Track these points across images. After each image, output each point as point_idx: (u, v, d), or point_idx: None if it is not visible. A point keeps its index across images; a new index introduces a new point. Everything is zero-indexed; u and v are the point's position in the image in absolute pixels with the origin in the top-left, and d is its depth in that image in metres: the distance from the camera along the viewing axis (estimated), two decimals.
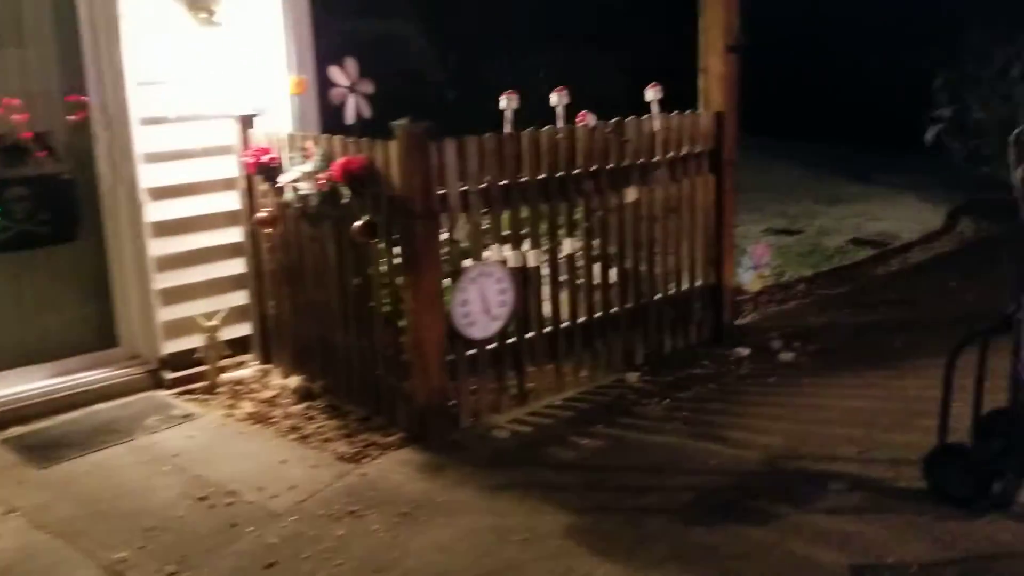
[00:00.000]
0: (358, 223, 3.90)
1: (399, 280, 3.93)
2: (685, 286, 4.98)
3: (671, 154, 4.75)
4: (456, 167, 3.88)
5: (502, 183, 4.06)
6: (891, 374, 4.65)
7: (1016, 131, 3.23)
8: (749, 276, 5.57)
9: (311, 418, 4.27)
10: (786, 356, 4.91)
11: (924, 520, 3.26)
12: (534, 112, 4.38)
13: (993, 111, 8.02)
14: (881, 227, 7.95)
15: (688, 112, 4.85)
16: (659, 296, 4.85)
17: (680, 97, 4.94)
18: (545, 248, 4.28)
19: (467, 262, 3.98)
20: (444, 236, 3.90)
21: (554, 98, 4.33)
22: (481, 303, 3.98)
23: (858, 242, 7.48)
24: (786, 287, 6.25)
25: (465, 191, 3.94)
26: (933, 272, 6.55)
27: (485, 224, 4.09)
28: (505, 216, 4.12)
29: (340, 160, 3.93)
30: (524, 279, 4.20)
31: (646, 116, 4.62)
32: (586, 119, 4.40)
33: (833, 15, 12.84)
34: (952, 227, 7.92)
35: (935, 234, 7.70)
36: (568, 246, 4.36)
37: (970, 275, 6.36)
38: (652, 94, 4.67)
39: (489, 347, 4.13)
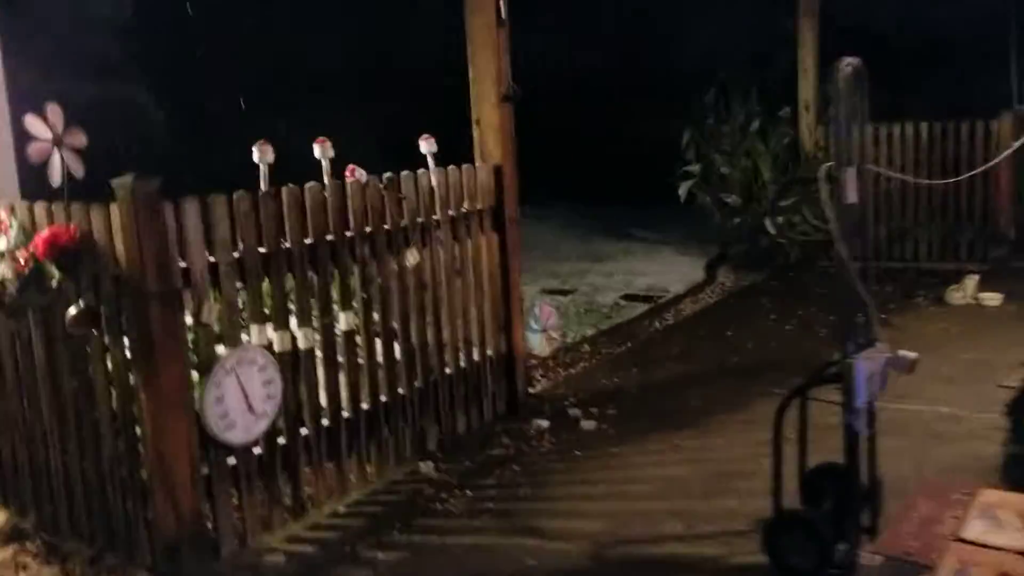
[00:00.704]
0: (73, 311, 3.06)
1: (132, 379, 3.10)
2: (476, 357, 4.49)
3: (452, 212, 4.28)
4: (201, 233, 3.16)
5: (261, 251, 3.38)
6: (694, 433, 4.40)
7: (825, 167, 3.06)
8: (538, 339, 5.21)
9: (23, 567, 3.29)
10: (587, 425, 4.53)
11: None
12: (292, 169, 3.75)
13: (736, 166, 8.37)
14: (648, 282, 7.97)
15: (466, 166, 4.42)
16: (449, 371, 4.32)
17: (458, 150, 4.52)
18: (317, 326, 3.62)
19: (221, 349, 3.23)
20: (189, 319, 3.15)
21: (317, 150, 3.73)
22: (241, 399, 3.24)
23: (630, 298, 7.41)
24: (571, 348, 5.95)
25: (214, 263, 3.21)
26: (706, 323, 6.54)
27: (242, 301, 3.37)
28: (267, 290, 3.43)
29: (45, 233, 3.08)
30: (294, 364, 3.51)
31: (422, 171, 4.13)
32: (356, 174, 3.83)
33: (567, 76, 13.31)
34: (713, 278, 8.10)
35: (699, 286, 7.81)
36: (344, 321, 3.73)
37: (741, 323, 6.40)
38: (426, 146, 4.20)
39: (255, 451, 3.38)
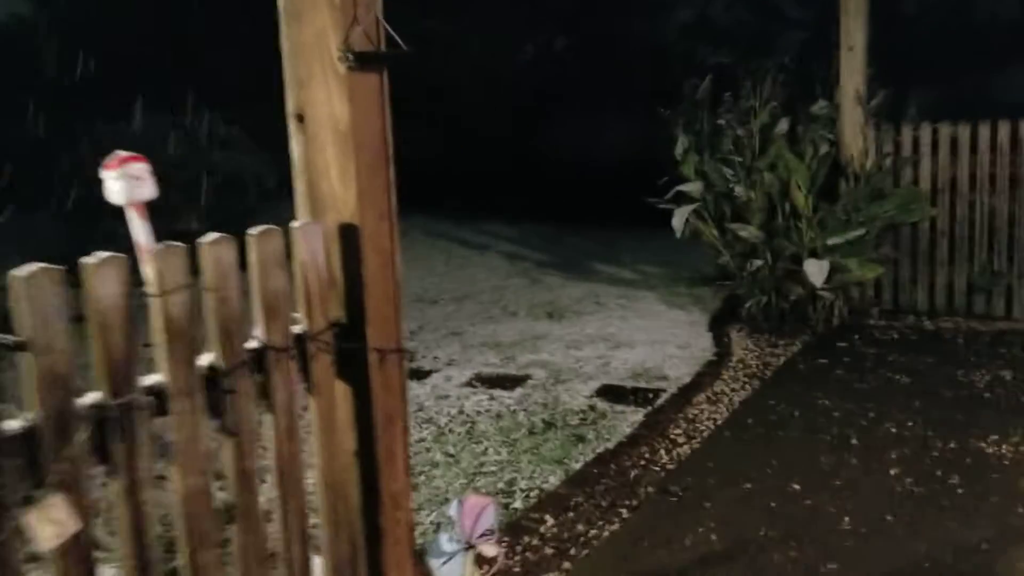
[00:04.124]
0: None
1: None
2: None
3: (214, 358, 1.60)
4: None
5: None
6: None
7: None
8: (458, 571, 2.54)
9: None
10: None
11: None
12: None
13: (756, 185, 5.86)
14: (635, 359, 5.37)
15: (260, 232, 1.73)
16: None
17: None
18: None
19: None
20: None
21: None
22: None
23: (611, 393, 4.79)
24: (522, 524, 3.32)
25: None
26: (747, 456, 3.94)
27: None
28: None
29: None
30: None
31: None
32: None
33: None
34: (727, 350, 5.53)
35: (712, 366, 5.23)
36: None
37: (805, 459, 3.83)
38: (120, 186, 1.52)
39: None
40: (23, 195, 7.82)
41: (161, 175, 2.06)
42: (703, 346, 5.65)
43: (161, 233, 1.77)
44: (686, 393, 4.78)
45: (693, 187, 6.07)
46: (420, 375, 5.09)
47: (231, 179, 8.88)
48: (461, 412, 4.51)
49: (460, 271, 8.22)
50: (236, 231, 1.69)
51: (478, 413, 4.50)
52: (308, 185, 1.89)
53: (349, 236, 1.86)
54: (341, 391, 1.90)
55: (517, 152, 10.98)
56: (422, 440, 4.13)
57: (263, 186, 9.09)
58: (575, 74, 11.15)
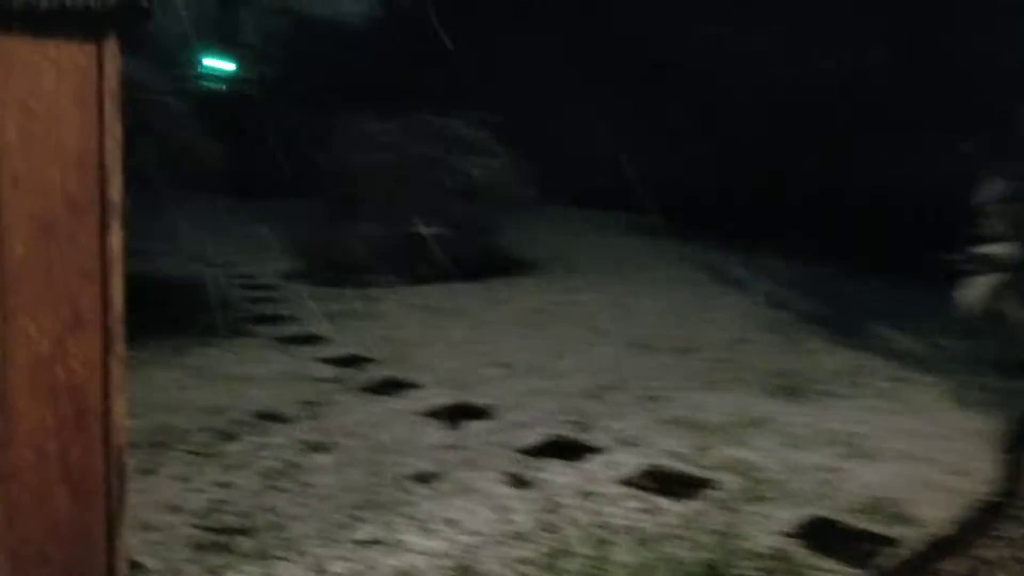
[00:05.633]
0: None
1: None
2: None
3: None
4: None
5: None
6: None
7: None
8: None
9: None
10: None
11: None
12: None
13: None
14: (876, 480, 3.89)
15: None
16: None
17: None
18: None
19: None
20: None
21: None
22: None
23: (821, 533, 3.41)
24: None
25: None
26: None
27: None
28: None
29: None
30: None
31: None
32: None
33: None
34: (1015, 486, 3.88)
35: (989, 513, 3.64)
36: None
37: None
38: None
39: None
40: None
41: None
42: (984, 475, 4.01)
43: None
44: (934, 554, 3.28)
45: (1002, 249, 4.41)
46: (576, 454, 4.04)
47: (478, 183, 8.41)
48: (601, 525, 3.39)
49: (700, 312, 7.01)
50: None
51: (624, 531, 3.36)
52: None
53: None
54: None
55: (809, 179, 9.48)
56: (524, 561, 3.09)
57: (513, 193, 8.54)
58: (891, 92, 9.40)
